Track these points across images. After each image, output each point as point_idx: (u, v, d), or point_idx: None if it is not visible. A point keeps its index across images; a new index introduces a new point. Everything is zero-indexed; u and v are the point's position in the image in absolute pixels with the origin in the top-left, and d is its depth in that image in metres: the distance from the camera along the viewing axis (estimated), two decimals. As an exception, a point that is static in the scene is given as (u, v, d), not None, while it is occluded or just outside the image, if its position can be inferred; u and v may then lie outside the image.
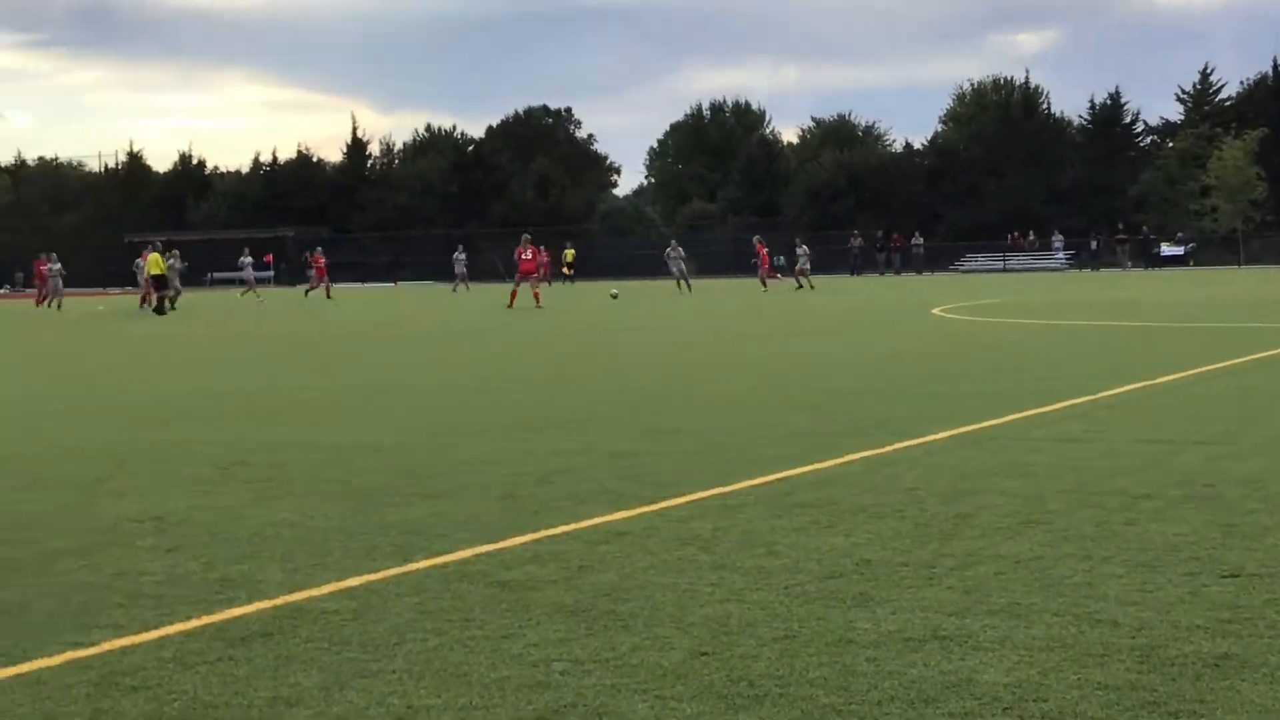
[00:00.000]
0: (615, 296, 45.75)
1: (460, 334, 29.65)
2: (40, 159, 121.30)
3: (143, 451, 11.49)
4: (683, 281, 56.01)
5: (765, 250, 57.93)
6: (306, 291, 61.00)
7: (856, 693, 4.91)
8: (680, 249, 59.94)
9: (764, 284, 56.08)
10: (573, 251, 73.97)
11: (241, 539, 7.80)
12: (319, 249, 63.69)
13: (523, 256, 43.28)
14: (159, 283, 45.19)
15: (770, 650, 5.42)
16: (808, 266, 57.84)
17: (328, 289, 58.92)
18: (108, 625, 6.03)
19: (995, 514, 7.96)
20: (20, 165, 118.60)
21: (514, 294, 42.57)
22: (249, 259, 63.52)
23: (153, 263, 45.26)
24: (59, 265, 54.33)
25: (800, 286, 55.29)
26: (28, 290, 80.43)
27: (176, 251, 50.73)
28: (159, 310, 43.83)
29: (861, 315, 33.55)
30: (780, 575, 6.61)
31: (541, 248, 47.34)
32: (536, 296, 42.76)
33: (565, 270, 72.91)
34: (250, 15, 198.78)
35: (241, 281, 62.75)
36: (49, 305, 52.27)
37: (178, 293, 48.92)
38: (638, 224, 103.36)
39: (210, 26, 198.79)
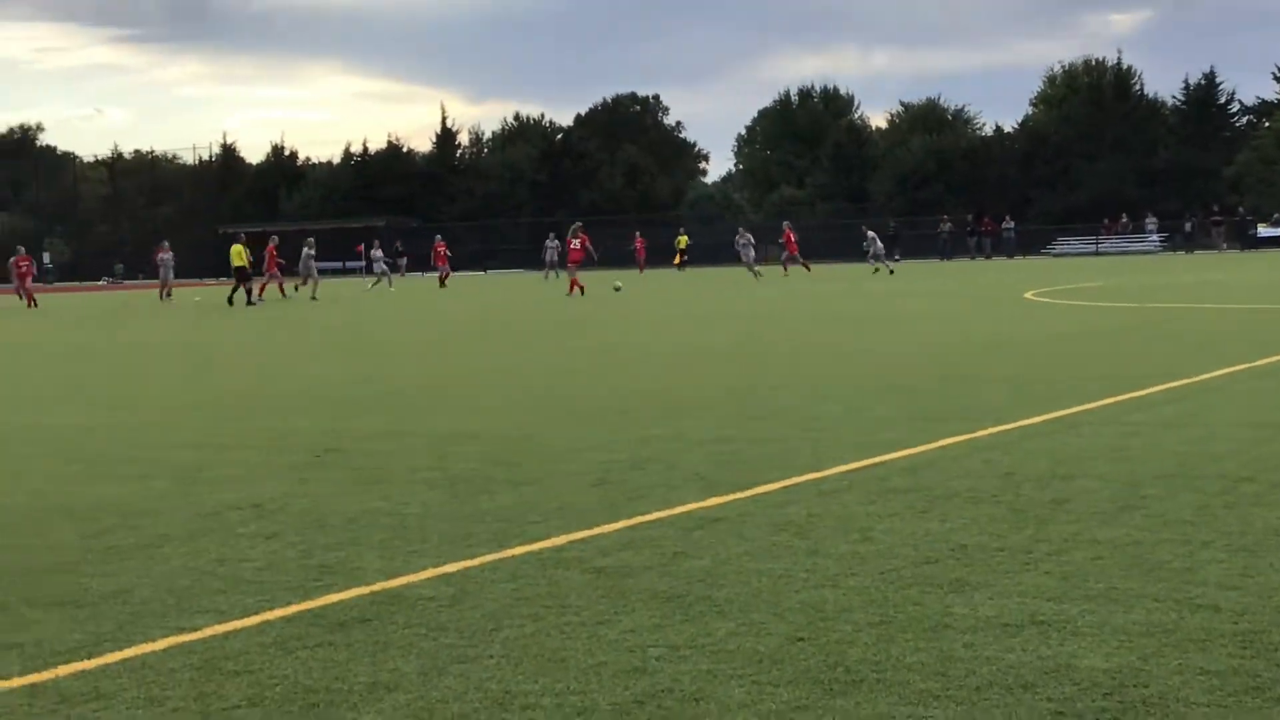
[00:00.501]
0: (618, 289, 45.59)
1: (552, 321, 29.72)
2: (136, 152, 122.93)
3: (241, 439, 11.63)
4: (752, 269, 56.11)
5: (794, 236, 58.03)
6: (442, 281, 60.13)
7: (954, 678, 4.89)
8: (749, 235, 59.87)
9: (785, 269, 57.99)
10: (686, 238, 73.51)
11: (338, 526, 7.88)
12: (437, 237, 62.51)
13: (571, 245, 44.66)
14: (241, 274, 45.17)
15: (866, 635, 5.41)
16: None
17: (443, 278, 58.49)
18: (210, 610, 6.11)
19: (1092, 499, 7.89)
20: (117, 159, 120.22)
21: (573, 282, 43.79)
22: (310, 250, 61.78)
23: (235, 254, 45.30)
24: (170, 255, 54.24)
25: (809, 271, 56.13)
26: (127, 281, 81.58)
27: (311, 240, 51.22)
28: (248, 302, 44.02)
29: (953, 300, 33.30)
30: (875, 561, 6.59)
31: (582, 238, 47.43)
32: (573, 284, 43.73)
33: (679, 258, 72.39)
34: (340, 7, 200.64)
35: (376, 270, 61.64)
36: (162, 296, 52.03)
37: (316, 282, 49.56)
38: (726, 210, 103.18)
39: (301, 19, 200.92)
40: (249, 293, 44.76)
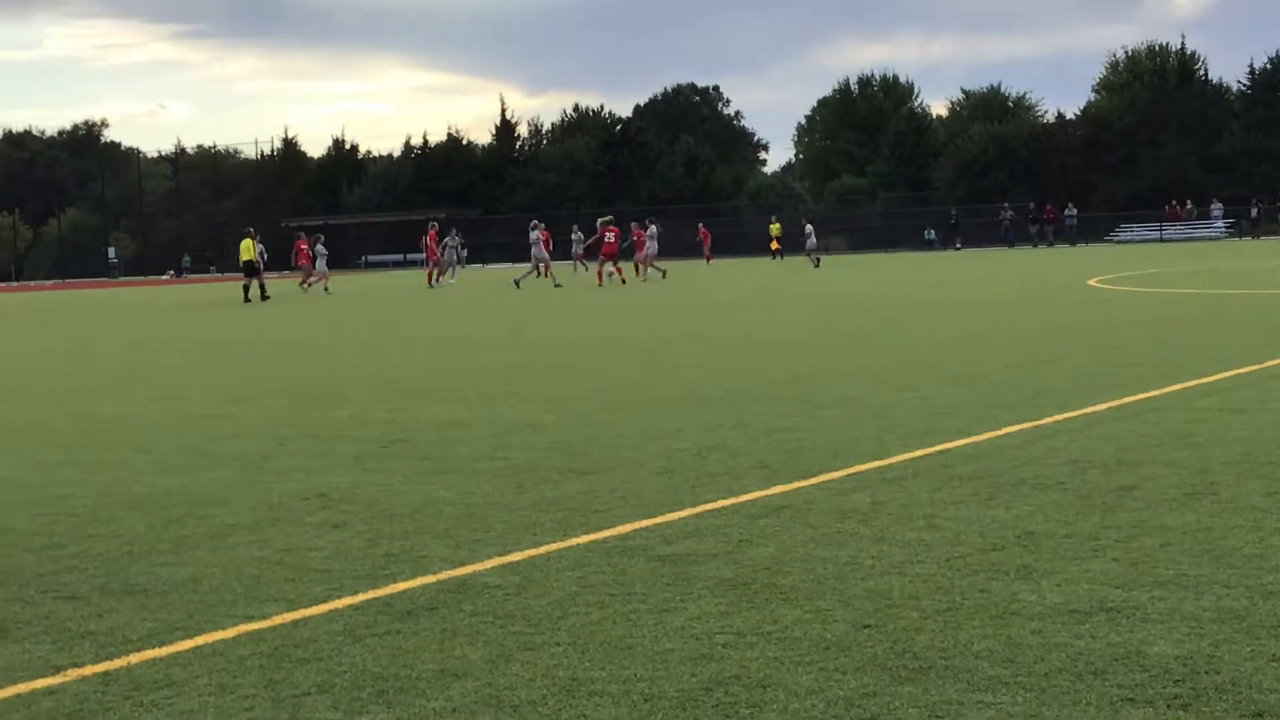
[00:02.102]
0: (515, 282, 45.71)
1: (613, 310, 29.74)
2: (199, 147, 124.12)
3: (307, 429, 11.71)
4: (812, 256, 56.03)
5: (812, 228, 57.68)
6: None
7: (1022, 665, 4.87)
8: (809, 225, 60.06)
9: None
10: (779, 226, 73.18)
11: (404, 515, 7.92)
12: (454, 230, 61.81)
13: (605, 238, 45.26)
14: (249, 269, 44.01)
15: (934, 623, 5.39)
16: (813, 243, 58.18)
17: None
18: (278, 599, 6.16)
19: (1160, 485, 7.83)
20: (180, 154, 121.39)
21: (617, 269, 44.84)
22: (456, 239, 60.69)
23: (245, 248, 44.10)
24: (320, 246, 53.69)
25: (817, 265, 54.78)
26: (192, 276, 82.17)
27: (455, 229, 51.28)
28: (259, 297, 42.88)
29: (1016, 287, 33.10)
30: (941, 548, 6.57)
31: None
32: (600, 276, 44.77)
33: (774, 245, 71.97)
34: (401, 0, 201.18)
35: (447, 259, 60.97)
36: (306, 286, 51.15)
37: (449, 269, 49.89)
38: (786, 200, 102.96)
39: (361, 12, 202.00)
40: (262, 288, 43.56)
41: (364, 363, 18.67)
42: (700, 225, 71.62)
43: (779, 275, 48.24)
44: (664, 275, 47.54)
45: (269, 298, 42.78)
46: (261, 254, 45.12)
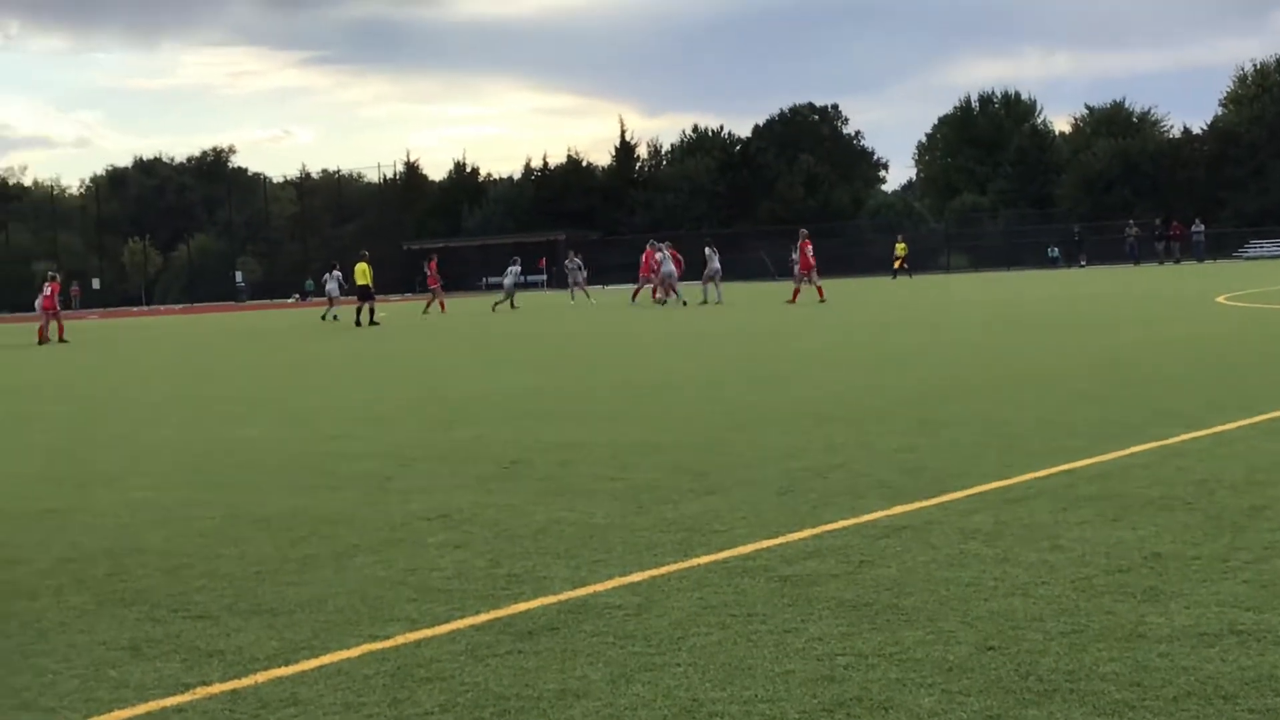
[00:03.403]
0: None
1: (728, 330, 29.71)
2: (323, 171, 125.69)
3: (429, 451, 11.81)
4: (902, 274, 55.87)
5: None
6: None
7: (1150, 688, 4.79)
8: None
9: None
10: (904, 245, 72.79)
11: (525, 536, 7.96)
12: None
13: (654, 258, 47.65)
14: (363, 293, 44.10)
15: (1059, 645, 5.33)
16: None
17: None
18: (401, 619, 6.21)
19: (1292, 506, 7.68)
20: (305, 178, 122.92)
21: (642, 290, 47.91)
22: (575, 261, 61.17)
23: (360, 272, 44.25)
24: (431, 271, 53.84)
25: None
26: (316, 299, 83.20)
27: (574, 251, 51.75)
28: (368, 321, 42.71)
29: (1142, 305, 32.66)
30: (1066, 569, 6.49)
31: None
32: (653, 293, 46.92)
33: (897, 264, 71.61)
34: (519, 24, 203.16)
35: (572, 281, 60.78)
36: (428, 309, 52.12)
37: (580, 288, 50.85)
38: (907, 219, 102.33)
39: (481, 37, 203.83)
40: (371, 312, 43.48)
41: (484, 384, 18.80)
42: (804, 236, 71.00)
43: (898, 293, 47.93)
44: (684, 302, 46.78)
45: (377, 323, 42.76)
46: (576, 266, 46.12)
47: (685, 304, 45.47)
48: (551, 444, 11.84)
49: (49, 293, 41.55)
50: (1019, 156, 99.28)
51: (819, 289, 44.33)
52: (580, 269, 57.93)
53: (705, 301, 46.56)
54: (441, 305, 52.40)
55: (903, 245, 72.26)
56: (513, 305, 51.58)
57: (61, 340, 40.40)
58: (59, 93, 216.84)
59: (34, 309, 45.12)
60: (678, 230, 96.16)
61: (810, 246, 45.40)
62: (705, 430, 12.37)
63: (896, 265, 71.35)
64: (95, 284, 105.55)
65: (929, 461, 9.85)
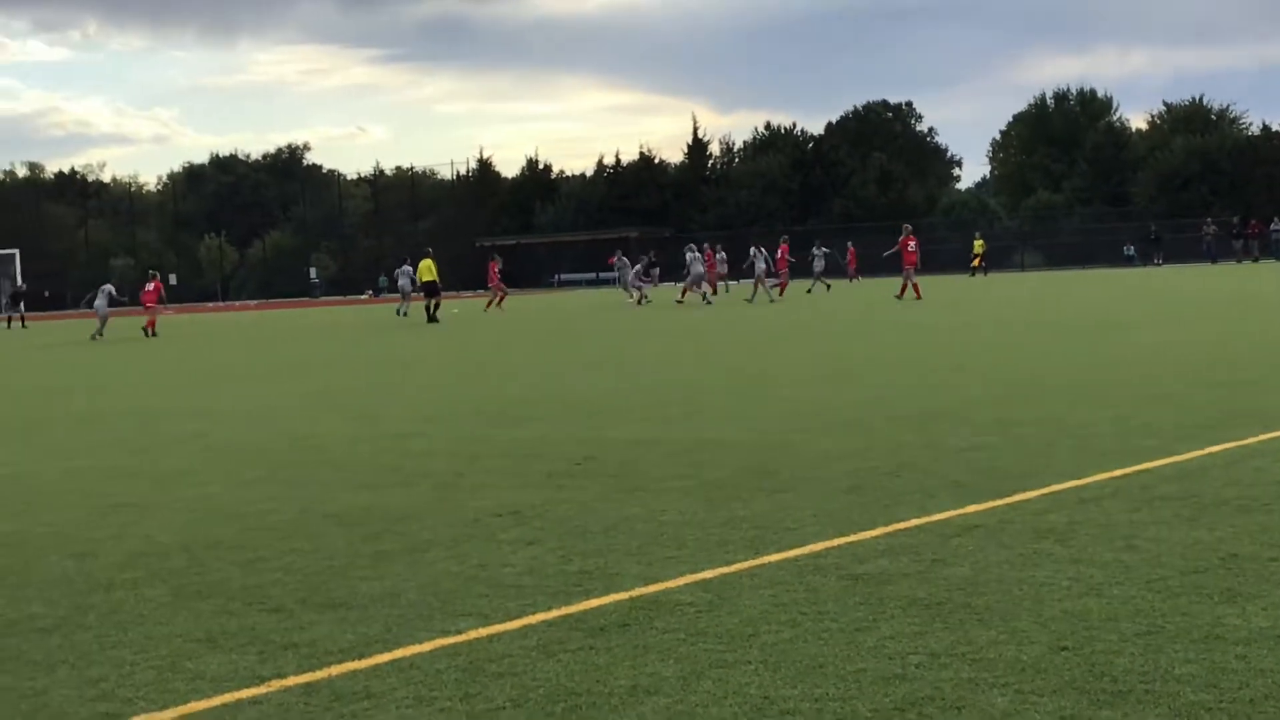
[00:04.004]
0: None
1: (795, 327, 29.63)
2: (397, 168, 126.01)
3: (499, 448, 11.85)
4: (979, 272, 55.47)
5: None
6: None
7: (1226, 690, 4.75)
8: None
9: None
10: (982, 242, 72.28)
11: (596, 532, 7.98)
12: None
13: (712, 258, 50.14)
14: (429, 289, 44.11)
15: (1133, 646, 5.28)
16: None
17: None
18: (474, 614, 6.24)
19: (1372, 507, 7.58)
20: (379, 175, 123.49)
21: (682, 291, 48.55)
22: (640, 260, 60.39)
23: (425, 269, 44.30)
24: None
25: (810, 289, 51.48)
26: (389, 295, 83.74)
27: (645, 250, 51.91)
28: (429, 318, 42.63)
29: (1219, 303, 32.31)
30: (1141, 569, 6.44)
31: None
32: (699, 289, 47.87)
33: (976, 262, 71.17)
34: (592, 21, 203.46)
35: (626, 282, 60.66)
36: (495, 306, 52.50)
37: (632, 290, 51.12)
38: (980, 217, 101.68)
39: (554, 34, 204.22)
40: (435, 308, 43.43)
41: (552, 382, 18.85)
42: (850, 245, 70.58)
43: (973, 291, 47.64)
44: (706, 299, 47.41)
45: (437, 320, 42.63)
46: (697, 258, 47.10)
47: (710, 302, 46.12)
48: (621, 441, 11.86)
49: (151, 288, 44.74)
50: (1095, 154, 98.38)
51: (904, 285, 43.80)
52: (651, 265, 57.69)
53: (751, 299, 46.52)
54: (500, 302, 52.66)
55: (981, 242, 71.76)
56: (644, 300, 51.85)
57: (151, 334, 42.30)
58: (137, 90, 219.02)
59: (126, 305, 47.95)
60: (750, 228, 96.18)
61: (913, 242, 44.94)
62: (776, 428, 12.34)
63: (975, 263, 70.92)
64: (173, 279, 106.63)
65: (1001, 461, 9.79)
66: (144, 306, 44.76)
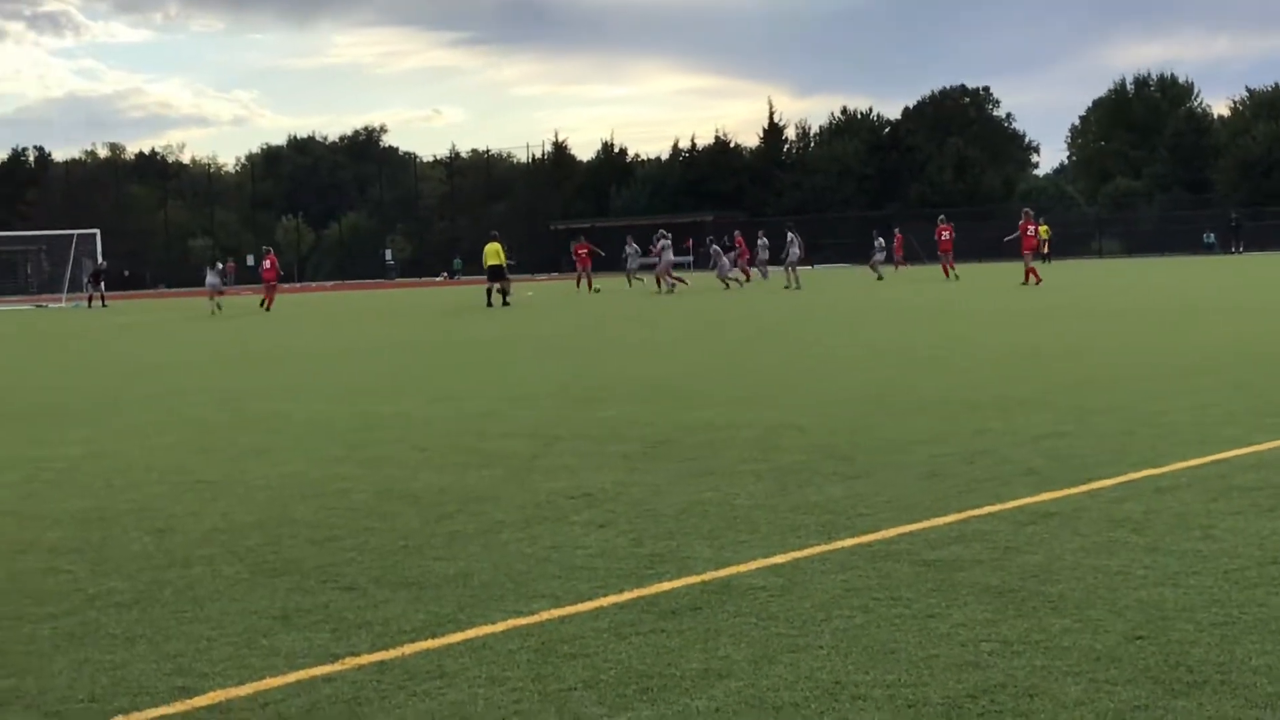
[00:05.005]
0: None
1: (875, 314, 29.50)
2: (473, 151, 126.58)
3: (574, 430, 11.88)
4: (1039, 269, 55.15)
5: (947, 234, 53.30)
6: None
7: (1304, 682, 4.70)
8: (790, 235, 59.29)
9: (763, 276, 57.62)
10: (1046, 228, 71.75)
11: (669, 515, 7.99)
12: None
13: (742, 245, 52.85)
14: (494, 273, 43.66)
15: (1209, 636, 5.24)
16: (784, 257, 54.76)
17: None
18: (546, 595, 6.27)
19: None
20: (455, 158, 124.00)
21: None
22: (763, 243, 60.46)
23: (492, 252, 43.86)
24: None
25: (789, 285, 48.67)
26: (464, 278, 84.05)
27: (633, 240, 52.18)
28: (498, 302, 42.36)
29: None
30: (1218, 559, 6.38)
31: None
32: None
33: (1043, 250, 70.59)
34: (668, 5, 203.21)
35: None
36: (583, 287, 53.21)
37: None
38: (1059, 203, 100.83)
39: (630, 17, 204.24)
40: (503, 293, 43.06)
41: (628, 365, 18.87)
42: (897, 231, 69.22)
43: (1051, 278, 47.27)
44: (687, 284, 49.35)
45: (508, 304, 42.42)
46: (510, 259, 46.49)
47: (741, 285, 48.82)
48: (695, 425, 11.86)
49: (268, 265, 48.70)
50: (1175, 140, 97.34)
51: (1028, 270, 43.04)
52: (721, 254, 57.33)
53: (788, 286, 46.42)
54: (589, 283, 52.89)
55: (1045, 228, 71.13)
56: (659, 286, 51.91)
57: (268, 308, 46.22)
58: (216, 72, 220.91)
59: (202, 285, 50.88)
60: (824, 213, 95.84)
61: (1032, 226, 44.49)
62: (850, 413, 12.31)
63: (1043, 250, 70.21)
64: (250, 260, 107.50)
65: (1078, 449, 9.72)
66: (264, 284, 48.02)
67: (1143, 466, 8.85)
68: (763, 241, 58.13)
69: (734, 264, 52.09)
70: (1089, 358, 17.02)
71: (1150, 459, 9.12)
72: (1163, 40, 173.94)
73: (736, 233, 58.61)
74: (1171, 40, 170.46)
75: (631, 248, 58.20)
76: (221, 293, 48.15)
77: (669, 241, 49.28)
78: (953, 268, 48.94)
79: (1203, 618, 5.48)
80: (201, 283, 48.95)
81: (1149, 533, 6.99)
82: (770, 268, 56.16)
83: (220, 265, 51.58)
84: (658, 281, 49.01)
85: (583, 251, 54.87)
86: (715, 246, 52.07)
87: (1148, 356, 16.99)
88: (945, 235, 49.16)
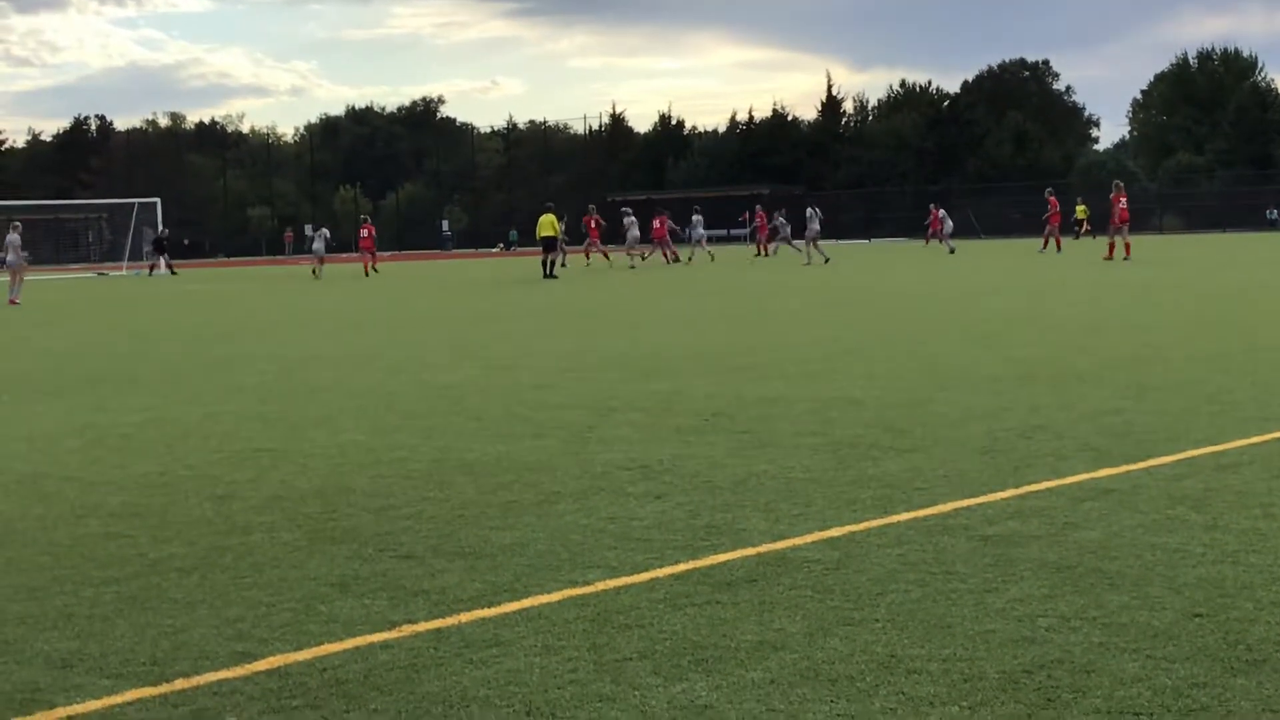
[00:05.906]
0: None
1: (933, 290, 29.37)
2: (530, 123, 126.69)
3: (630, 401, 11.89)
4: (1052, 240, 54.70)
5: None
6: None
7: (1365, 662, 4.67)
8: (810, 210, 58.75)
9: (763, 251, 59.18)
10: (1085, 208, 71.11)
11: (725, 488, 7.99)
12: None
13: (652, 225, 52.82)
14: (548, 244, 43.84)
15: (1269, 614, 5.21)
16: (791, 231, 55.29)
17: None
18: (601, 566, 6.29)
19: None
20: (512, 129, 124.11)
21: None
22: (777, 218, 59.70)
23: (546, 224, 44.01)
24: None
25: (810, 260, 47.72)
26: (520, 249, 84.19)
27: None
28: (547, 274, 42.03)
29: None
30: (1278, 538, 6.33)
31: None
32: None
33: (1084, 227, 69.99)
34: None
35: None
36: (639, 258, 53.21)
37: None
38: (1119, 178, 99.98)
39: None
40: (552, 264, 43.00)
41: (685, 337, 18.86)
42: (933, 206, 68.21)
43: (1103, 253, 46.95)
44: (644, 258, 51.54)
45: (555, 276, 41.96)
46: (564, 231, 47.22)
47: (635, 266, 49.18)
48: (751, 398, 11.85)
49: (365, 234, 51.82)
50: (1238, 115, 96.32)
51: (1110, 244, 41.74)
52: (784, 225, 57.04)
53: (809, 263, 46.03)
54: (605, 254, 54.25)
55: (1083, 208, 70.34)
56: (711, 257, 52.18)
57: (374, 272, 49.84)
58: (276, 43, 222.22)
59: (262, 254, 56.00)
60: (883, 187, 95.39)
61: (1124, 199, 42.16)
62: (907, 388, 12.28)
63: (1083, 229, 69.41)
64: (307, 230, 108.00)
65: (1137, 425, 9.66)
66: (365, 252, 51.17)
67: (1203, 444, 8.80)
68: (781, 220, 57.71)
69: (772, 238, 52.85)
70: (1148, 333, 16.88)
71: (1211, 436, 9.06)
72: (1226, 14, 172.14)
73: (758, 208, 59.87)
74: (1235, 14, 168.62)
75: (696, 218, 58.27)
76: (324, 260, 51.81)
77: (633, 218, 52.25)
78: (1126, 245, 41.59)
79: (1263, 596, 5.44)
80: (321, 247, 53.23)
81: (1208, 510, 6.94)
82: (797, 241, 55.49)
83: (326, 232, 54.97)
84: (630, 255, 51.42)
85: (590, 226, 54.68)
86: (780, 219, 52.40)
87: (1207, 331, 16.84)
88: (1122, 204, 43.71)
